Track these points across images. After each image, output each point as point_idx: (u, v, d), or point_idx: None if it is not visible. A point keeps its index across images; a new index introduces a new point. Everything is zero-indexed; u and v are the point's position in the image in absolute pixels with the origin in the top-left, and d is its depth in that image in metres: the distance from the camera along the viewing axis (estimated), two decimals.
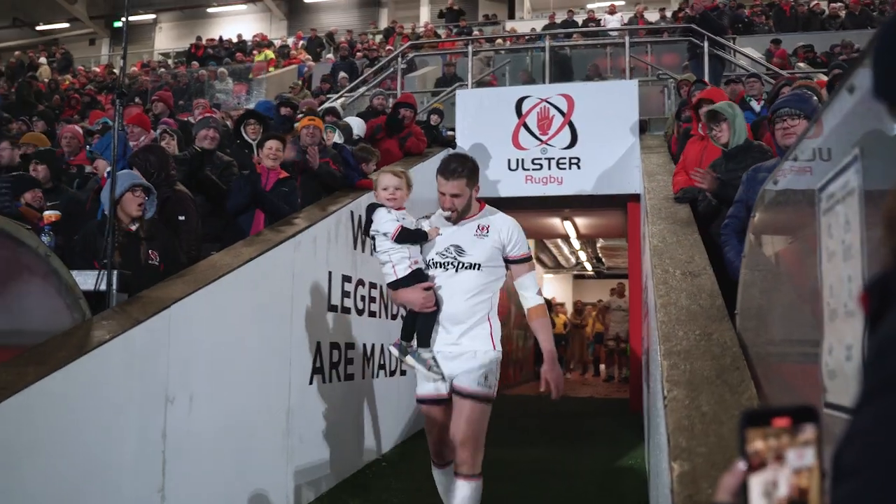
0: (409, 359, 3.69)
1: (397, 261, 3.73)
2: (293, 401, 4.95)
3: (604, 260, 23.31)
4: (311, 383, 5.21)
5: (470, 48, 10.49)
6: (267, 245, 4.79)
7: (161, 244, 4.33)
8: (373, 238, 3.84)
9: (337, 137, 7.50)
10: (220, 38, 21.95)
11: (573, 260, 22.78)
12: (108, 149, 4.87)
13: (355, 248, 6.07)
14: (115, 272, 3.95)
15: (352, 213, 6.05)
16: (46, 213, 4.97)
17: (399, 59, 11.35)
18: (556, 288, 22.52)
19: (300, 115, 8.20)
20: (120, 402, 3.47)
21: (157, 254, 4.29)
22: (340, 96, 11.79)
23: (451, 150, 8.88)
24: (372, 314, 6.35)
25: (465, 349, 3.64)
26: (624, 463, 6.15)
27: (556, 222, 12.76)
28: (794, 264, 2.22)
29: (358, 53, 16.82)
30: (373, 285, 6.33)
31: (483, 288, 3.67)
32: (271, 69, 17.65)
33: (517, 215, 12.44)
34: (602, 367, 17.19)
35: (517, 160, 8.73)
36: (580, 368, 19.22)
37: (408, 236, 3.73)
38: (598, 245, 20.74)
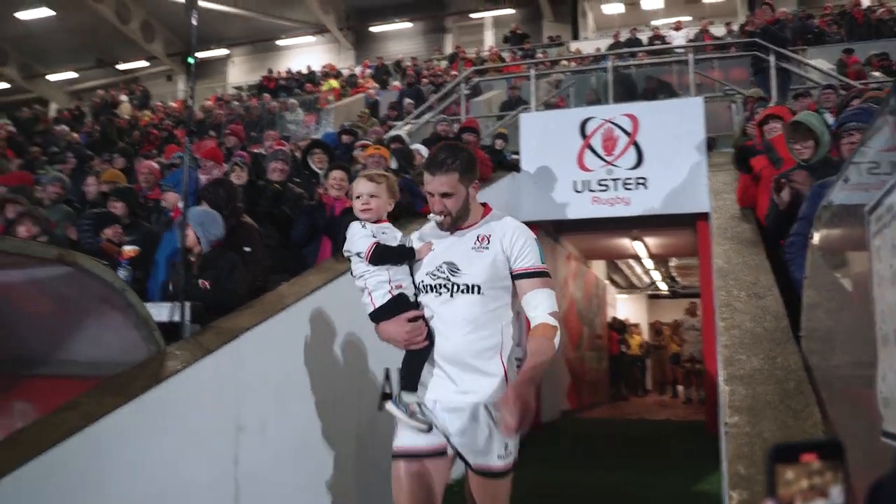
0: (388, 405, 2.92)
1: (373, 286, 2.94)
2: (363, 427, 5.01)
3: (678, 279, 22.93)
4: (380, 409, 5.27)
5: (532, 72, 10.52)
6: (333, 274, 4.88)
7: (214, 274, 4.45)
8: (348, 260, 3.10)
9: (393, 164, 7.60)
10: (290, 70, 22.51)
11: (647, 280, 22.48)
12: (180, 183, 5.06)
13: None
14: (188, 304, 4.09)
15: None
16: (125, 248, 5.18)
17: (463, 84, 11.46)
18: (631, 308, 22.23)
19: (360, 143, 8.36)
20: (193, 429, 3.58)
21: (209, 284, 4.40)
22: (406, 123, 11.95)
23: (515, 174, 8.92)
24: None
25: (473, 401, 2.79)
26: (699, 488, 6.02)
27: (625, 243, 12.65)
28: (856, 285, 2.17)
29: (424, 80, 17.04)
30: None
31: (488, 317, 2.81)
32: (330, 98, 17.99)
33: (586, 237, 12.38)
34: (680, 388, 16.82)
35: (583, 182, 8.69)
36: (658, 390, 18.91)
37: (386, 255, 2.96)
38: (672, 264, 20.43)
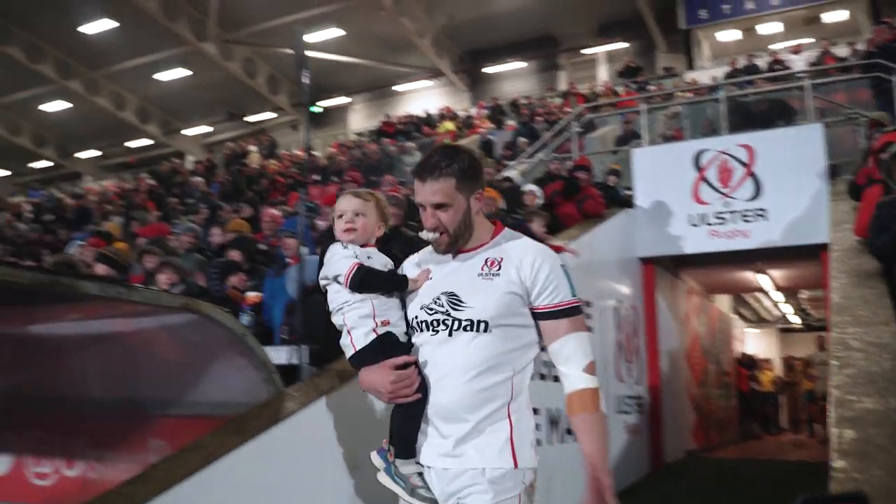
0: (381, 475, 2.37)
1: (353, 322, 2.39)
2: None
3: (811, 311, 21.88)
4: None
5: (643, 106, 10.46)
6: None
7: (291, 319, 4.62)
8: (324, 290, 2.53)
9: (502, 204, 7.67)
10: (409, 114, 23.09)
11: (777, 313, 21.54)
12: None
13: None
14: (306, 347, 4.29)
15: None
16: (248, 294, 5.49)
17: (574, 121, 11.49)
18: (761, 343, 21.35)
19: None
20: (310, 468, 3.74)
21: (288, 328, 4.57)
22: (520, 163, 12.05)
23: (628, 210, 8.84)
24: (555, 378, 6.34)
25: (468, 465, 2.24)
26: None
27: (749, 276, 12.25)
28: None
29: (538, 118, 17.12)
30: None
31: (496, 362, 2.26)
32: (446, 140, 18.28)
33: (706, 271, 12.16)
34: (817, 426, 15.97)
35: (699, 215, 8.56)
36: (793, 428, 18.03)
37: (371, 280, 2.39)
38: (802, 296, 19.53)
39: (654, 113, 12.05)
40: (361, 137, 23.12)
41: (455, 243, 2.37)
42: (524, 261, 2.30)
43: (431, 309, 2.33)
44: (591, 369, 2.30)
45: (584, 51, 24.99)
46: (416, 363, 2.34)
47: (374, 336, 2.36)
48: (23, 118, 28.94)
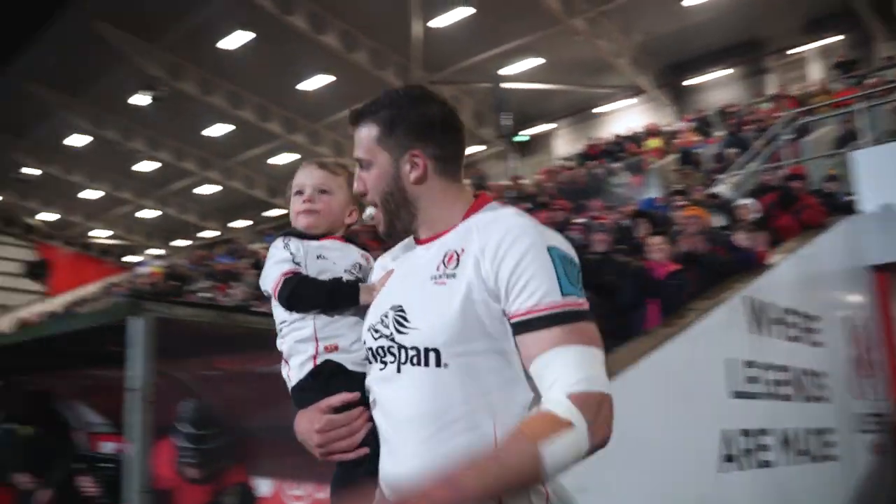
0: None
1: (290, 348, 1.75)
2: (704, 489, 5.05)
3: None
4: (722, 471, 5.28)
5: (856, 104, 9.91)
6: (661, 339, 5.06)
7: None
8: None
9: (718, 221, 7.58)
10: (616, 134, 22.96)
11: None
12: None
13: (752, 332, 6.07)
14: None
15: (744, 297, 6.07)
16: None
17: (785, 126, 11.06)
18: None
19: (676, 203, 8.49)
20: None
21: None
22: (731, 175, 11.75)
23: (852, 217, 8.42)
24: (785, 398, 6.22)
25: None
26: None
27: None
28: None
29: (748, 126, 16.48)
30: (781, 368, 6.24)
31: (461, 411, 1.48)
32: (651, 158, 17.99)
33: None
34: None
35: None
36: None
37: (305, 293, 1.72)
38: None
39: (876, 109, 11.34)
40: (567, 162, 23.30)
41: (391, 224, 1.67)
42: (487, 246, 1.50)
43: (377, 331, 1.61)
44: (581, 400, 1.43)
45: (792, 50, 23.70)
46: (365, 403, 1.65)
47: (311, 367, 1.71)
48: (256, 172, 32.02)
